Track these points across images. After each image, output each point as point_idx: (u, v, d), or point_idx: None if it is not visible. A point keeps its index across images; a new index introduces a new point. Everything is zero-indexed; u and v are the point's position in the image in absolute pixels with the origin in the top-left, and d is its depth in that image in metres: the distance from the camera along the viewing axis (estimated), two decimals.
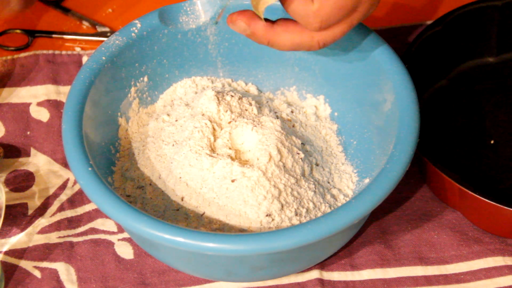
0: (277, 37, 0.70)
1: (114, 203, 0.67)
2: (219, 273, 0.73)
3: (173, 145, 0.76)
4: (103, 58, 0.77)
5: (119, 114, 0.80)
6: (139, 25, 0.79)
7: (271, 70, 0.84)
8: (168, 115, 0.80)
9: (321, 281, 0.76)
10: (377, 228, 0.79)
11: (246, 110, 0.77)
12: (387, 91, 0.75)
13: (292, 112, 0.82)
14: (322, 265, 0.77)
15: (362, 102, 0.79)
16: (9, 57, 0.93)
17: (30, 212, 0.80)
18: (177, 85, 0.83)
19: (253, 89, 0.84)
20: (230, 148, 0.74)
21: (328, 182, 0.77)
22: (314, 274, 0.76)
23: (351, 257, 0.77)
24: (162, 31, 0.80)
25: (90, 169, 0.69)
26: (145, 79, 0.81)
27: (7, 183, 0.82)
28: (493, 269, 0.76)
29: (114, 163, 0.78)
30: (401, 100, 0.74)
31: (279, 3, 0.69)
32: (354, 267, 0.77)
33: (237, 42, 0.82)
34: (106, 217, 0.79)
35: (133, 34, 0.79)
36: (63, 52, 0.93)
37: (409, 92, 0.74)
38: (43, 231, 0.79)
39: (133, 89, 0.80)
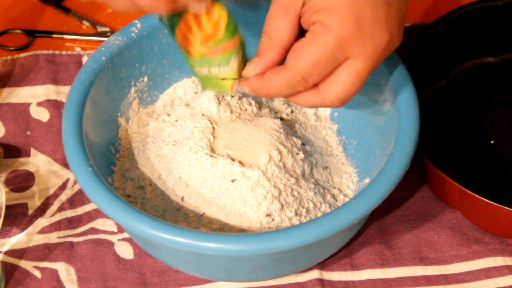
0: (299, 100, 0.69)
1: (114, 203, 0.67)
2: (219, 273, 0.73)
3: (173, 145, 0.76)
4: (103, 58, 0.77)
5: (119, 114, 0.80)
6: (139, 25, 0.79)
7: None
8: (168, 115, 0.80)
9: (321, 281, 0.76)
10: (377, 228, 0.79)
11: (246, 110, 0.77)
12: (387, 91, 0.75)
13: (292, 112, 0.82)
14: (322, 265, 0.76)
15: (362, 102, 0.79)
16: (9, 57, 0.93)
17: (30, 212, 0.80)
18: (177, 85, 0.83)
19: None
20: (230, 148, 0.74)
21: (328, 182, 0.77)
22: (314, 274, 0.76)
23: (351, 257, 0.77)
24: (162, 31, 0.80)
25: (90, 169, 0.69)
26: (145, 79, 0.81)
27: (7, 183, 0.82)
28: (493, 269, 0.76)
29: (114, 163, 0.78)
30: (401, 100, 0.74)
31: None
32: (354, 267, 0.77)
33: None
34: (106, 217, 0.79)
35: (133, 34, 0.79)
36: (63, 52, 0.93)
37: (409, 92, 0.74)
38: (43, 231, 0.79)
39: (133, 89, 0.80)
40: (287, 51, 0.67)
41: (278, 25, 0.67)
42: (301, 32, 0.67)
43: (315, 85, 0.67)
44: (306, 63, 0.65)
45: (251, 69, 0.68)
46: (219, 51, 0.69)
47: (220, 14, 0.67)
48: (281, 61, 0.68)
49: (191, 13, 0.68)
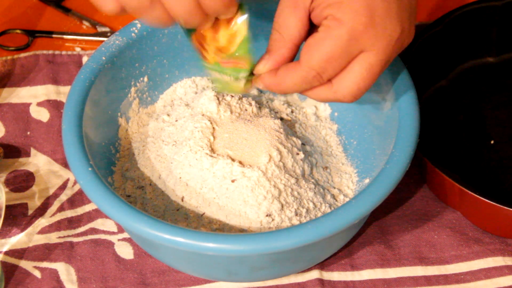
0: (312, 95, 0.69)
1: (114, 203, 0.67)
2: (219, 273, 0.73)
3: (173, 145, 0.76)
4: (103, 58, 0.77)
5: (119, 114, 0.80)
6: (139, 25, 0.79)
7: None
8: (168, 115, 0.80)
9: (321, 281, 0.76)
10: (377, 228, 0.79)
11: (246, 110, 0.77)
12: (387, 91, 0.75)
13: (292, 112, 0.82)
14: (322, 265, 0.76)
15: (362, 102, 0.79)
16: (9, 57, 0.93)
17: (30, 212, 0.80)
18: (177, 85, 0.83)
19: (253, 89, 0.84)
20: (230, 148, 0.74)
21: (328, 182, 0.77)
22: (314, 274, 0.76)
23: (351, 257, 0.77)
24: (162, 31, 0.80)
25: (90, 169, 0.69)
26: (145, 79, 0.81)
27: (7, 183, 0.82)
28: (493, 269, 0.76)
29: (114, 163, 0.78)
30: (401, 100, 0.74)
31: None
32: (354, 267, 0.77)
33: None
34: (106, 217, 0.79)
35: (133, 34, 0.79)
36: (63, 52, 0.93)
37: (409, 92, 0.74)
38: (43, 231, 0.79)
39: (133, 89, 0.80)
40: (297, 47, 0.67)
41: (287, 21, 0.67)
42: (311, 28, 0.67)
43: (329, 80, 0.67)
44: (320, 59, 0.65)
45: (261, 66, 0.68)
46: (231, 63, 0.69)
47: (239, 30, 0.67)
48: (292, 57, 0.68)
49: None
